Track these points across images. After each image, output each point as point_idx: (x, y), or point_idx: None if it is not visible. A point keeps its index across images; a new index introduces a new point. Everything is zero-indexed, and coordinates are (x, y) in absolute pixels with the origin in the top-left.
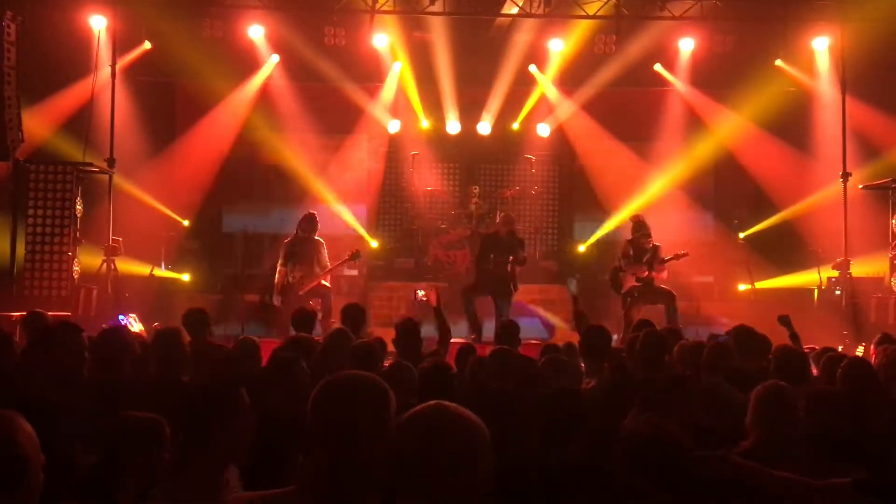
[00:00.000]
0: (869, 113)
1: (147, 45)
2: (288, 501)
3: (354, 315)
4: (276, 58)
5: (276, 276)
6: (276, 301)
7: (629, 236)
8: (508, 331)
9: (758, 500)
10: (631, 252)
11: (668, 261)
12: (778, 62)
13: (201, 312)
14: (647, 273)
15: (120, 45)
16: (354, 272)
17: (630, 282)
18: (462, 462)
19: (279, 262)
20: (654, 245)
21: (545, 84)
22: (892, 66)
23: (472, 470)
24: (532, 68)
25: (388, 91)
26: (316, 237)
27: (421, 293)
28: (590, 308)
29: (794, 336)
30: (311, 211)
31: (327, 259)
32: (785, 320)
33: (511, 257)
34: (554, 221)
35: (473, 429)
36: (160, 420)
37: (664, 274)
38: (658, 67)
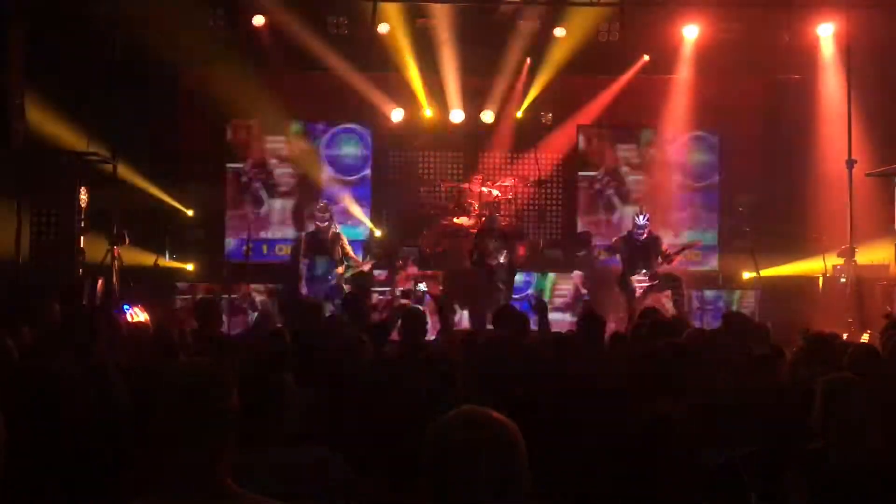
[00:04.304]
0: (874, 99)
1: None
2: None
3: (354, 304)
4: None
5: (301, 267)
6: (304, 290)
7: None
8: (505, 316)
9: None
10: (627, 252)
11: (674, 256)
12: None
13: (212, 303)
14: (656, 272)
15: (123, 34)
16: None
17: (642, 283)
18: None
19: (301, 253)
20: (651, 237)
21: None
22: None
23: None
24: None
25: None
26: (334, 228)
27: (422, 286)
28: (595, 297)
29: None
30: (324, 201)
31: (350, 251)
32: None
33: (505, 250)
34: (557, 210)
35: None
36: None
37: (674, 263)
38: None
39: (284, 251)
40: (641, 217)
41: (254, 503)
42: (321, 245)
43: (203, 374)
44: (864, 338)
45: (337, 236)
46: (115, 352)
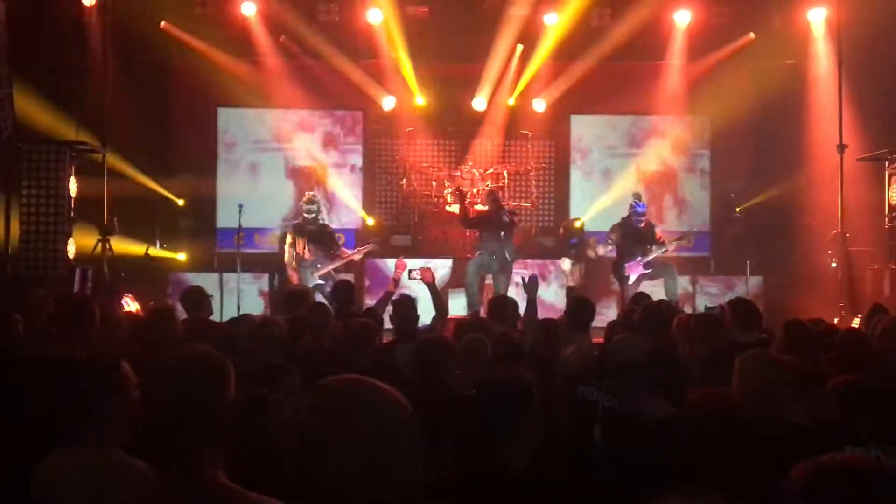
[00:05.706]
0: (865, 84)
1: None
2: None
3: (343, 292)
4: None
5: (287, 256)
6: (293, 279)
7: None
8: (500, 305)
9: None
10: (622, 238)
11: (669, 245)
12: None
13: (199, 291)
14: (650, 259)
15: (111, 23)
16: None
17: (636, 270)
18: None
19: (288, 243)
20: (648, 224)
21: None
22: (889, 36)
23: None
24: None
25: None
26: (322, 220)
27: (415, 271)
28: (587, 284)
29: None
30: (311, 192)
31: (338, 243)
32: None
33: (501, 233)
34: (550, 197)
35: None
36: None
37: (669, 252)
38: None
39: (273, 241)
40: (640, 206)
41: (243, 498)
42: (309, 235)
43: (201, 364)
44: (855, 322)
45: (324, 227)
46: (110, 342)
